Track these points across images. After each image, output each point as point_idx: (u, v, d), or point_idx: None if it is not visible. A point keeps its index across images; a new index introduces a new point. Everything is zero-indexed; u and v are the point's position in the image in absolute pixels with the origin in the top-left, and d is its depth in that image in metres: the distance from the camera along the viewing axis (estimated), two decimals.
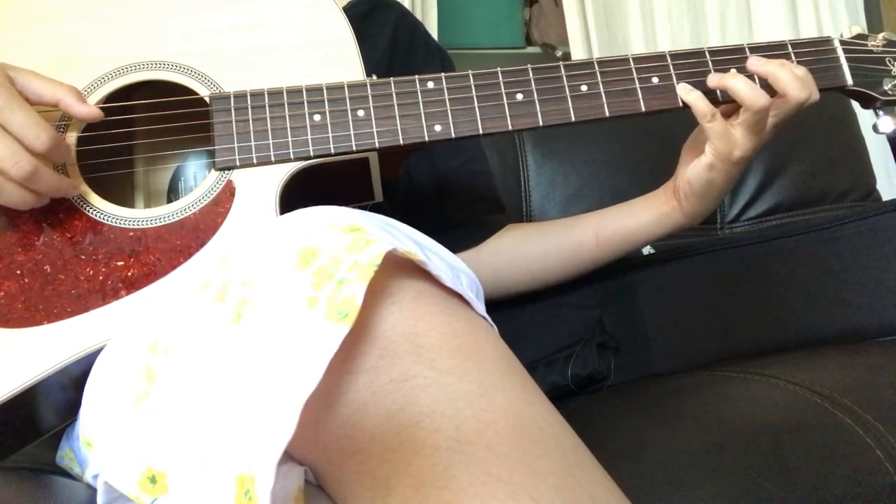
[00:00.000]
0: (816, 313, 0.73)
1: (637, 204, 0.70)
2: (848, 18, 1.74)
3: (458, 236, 0.78)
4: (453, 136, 0.56)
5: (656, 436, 0.54)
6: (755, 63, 0.60)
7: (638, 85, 0.59)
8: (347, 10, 0.76)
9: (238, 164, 0.54)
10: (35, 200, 0.50)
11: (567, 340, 0.81)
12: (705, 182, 0.62)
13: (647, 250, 0.85)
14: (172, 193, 0.64)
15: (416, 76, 0.57)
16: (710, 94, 0.60)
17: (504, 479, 0.31)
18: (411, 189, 0.80)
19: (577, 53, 1.73)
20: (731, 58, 0.61)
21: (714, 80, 0.59)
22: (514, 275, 0.77)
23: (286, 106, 0.55)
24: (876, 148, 1.56)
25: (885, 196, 1.21)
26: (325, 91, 0.55)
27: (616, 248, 0.71)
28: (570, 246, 0.73)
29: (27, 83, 0.50)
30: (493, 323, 0.42)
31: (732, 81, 0.58)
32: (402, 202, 0.79)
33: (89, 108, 0.52)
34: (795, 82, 0.58)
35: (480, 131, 0.57)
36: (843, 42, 0.63)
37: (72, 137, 0.54)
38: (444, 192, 0.80)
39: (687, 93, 0.59)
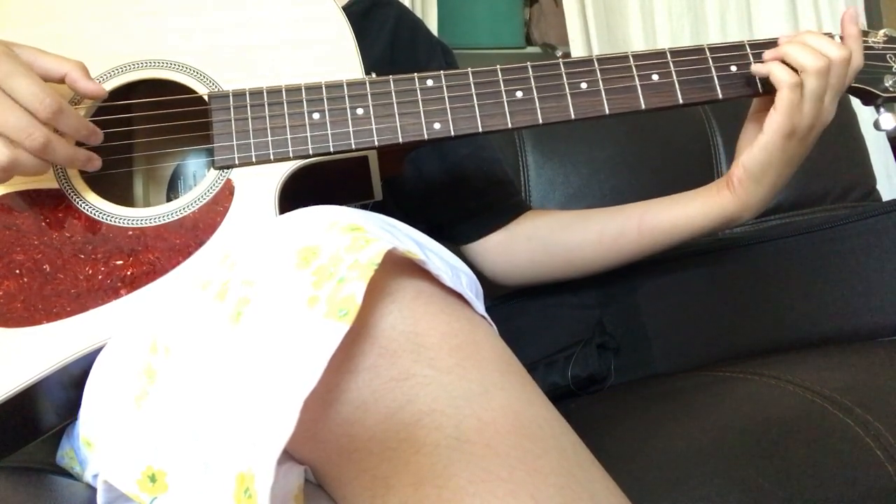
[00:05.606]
0: (816, 313, 0.72)
1: (687, 194, 0.69)
2: None
3: (480, 223, 0.78)
4: (452, 133, 0.56)
5: (656, 436, 0.54)
6: (768, 54, 0.60)
7: (638, 82, 0.59)
8: (347, 7, 0.76)
9: (237, 162, 0.54)
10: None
11: (567, 341, 0.81)
12: (761, 163, 0.61)
13: None
14: (171, 192, 0.64)
15: (416, 74, 0.57)
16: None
17: (504, 478, 0.31)
18: (422, 184, 0.79)
19: (577, 53, 1.73)
20: (732, 55, 0.61)
21: (770, 53, 0.60)
22: (551, 261, 0.75)
23: (285, 104, 0.55)
24: (876, 148, 1.56)
25: (885, 196, 1.22)
26: (324, 89, 0.55)
27: (659, 239, 0.69)
28: (612, 234, 0.71)
29: (34, 58, 0.49)
30: (492, 322, 0.42)
31: (788, 48, 0.58)
32: (414, 199, 0.78)
33: (95, 85, 0.52)
34: (805, 54, 0.57)
35: (480, 129, 0.57)
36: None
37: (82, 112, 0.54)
38: (458, 182, 0.78)
39: (761, 68, 0.59)
